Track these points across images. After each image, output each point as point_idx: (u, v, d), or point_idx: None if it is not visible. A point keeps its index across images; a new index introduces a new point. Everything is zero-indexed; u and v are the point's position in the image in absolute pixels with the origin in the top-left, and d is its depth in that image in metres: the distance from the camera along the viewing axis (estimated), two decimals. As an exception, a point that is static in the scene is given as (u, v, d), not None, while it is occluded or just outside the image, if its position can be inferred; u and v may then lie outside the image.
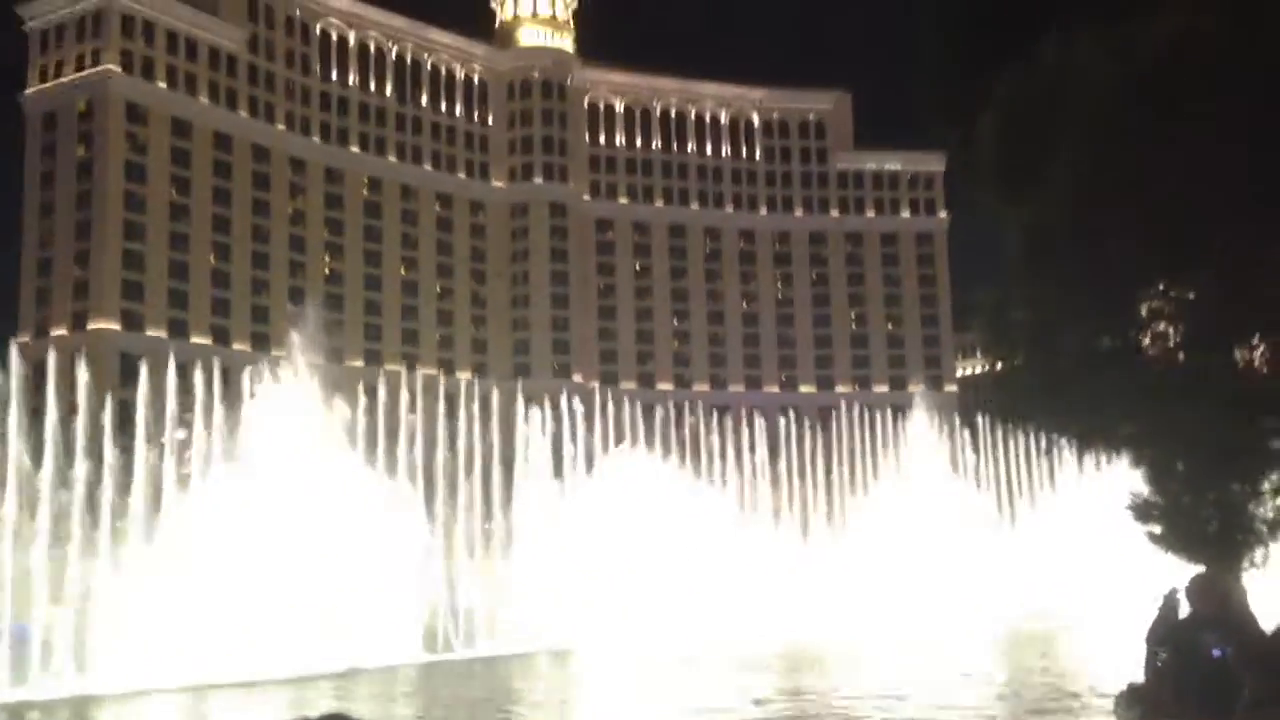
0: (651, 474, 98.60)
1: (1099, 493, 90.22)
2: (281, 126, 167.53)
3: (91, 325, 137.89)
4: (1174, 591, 13.35)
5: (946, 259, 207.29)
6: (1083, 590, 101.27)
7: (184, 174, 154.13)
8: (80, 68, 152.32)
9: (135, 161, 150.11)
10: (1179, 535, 18.68)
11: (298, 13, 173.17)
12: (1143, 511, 19.07)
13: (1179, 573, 15.14)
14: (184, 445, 72.21)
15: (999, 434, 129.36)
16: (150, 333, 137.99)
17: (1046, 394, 18.26)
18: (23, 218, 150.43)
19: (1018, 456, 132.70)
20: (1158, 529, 19.06)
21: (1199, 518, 18.60)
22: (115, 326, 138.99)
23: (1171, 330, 17.52)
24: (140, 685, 51.86)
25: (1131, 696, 14.27)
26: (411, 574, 72.34)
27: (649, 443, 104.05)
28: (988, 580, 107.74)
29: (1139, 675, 13.56)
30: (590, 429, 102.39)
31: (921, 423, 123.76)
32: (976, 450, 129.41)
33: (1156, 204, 15.03)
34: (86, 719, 47.69)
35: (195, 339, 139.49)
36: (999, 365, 20.70)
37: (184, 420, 73.69)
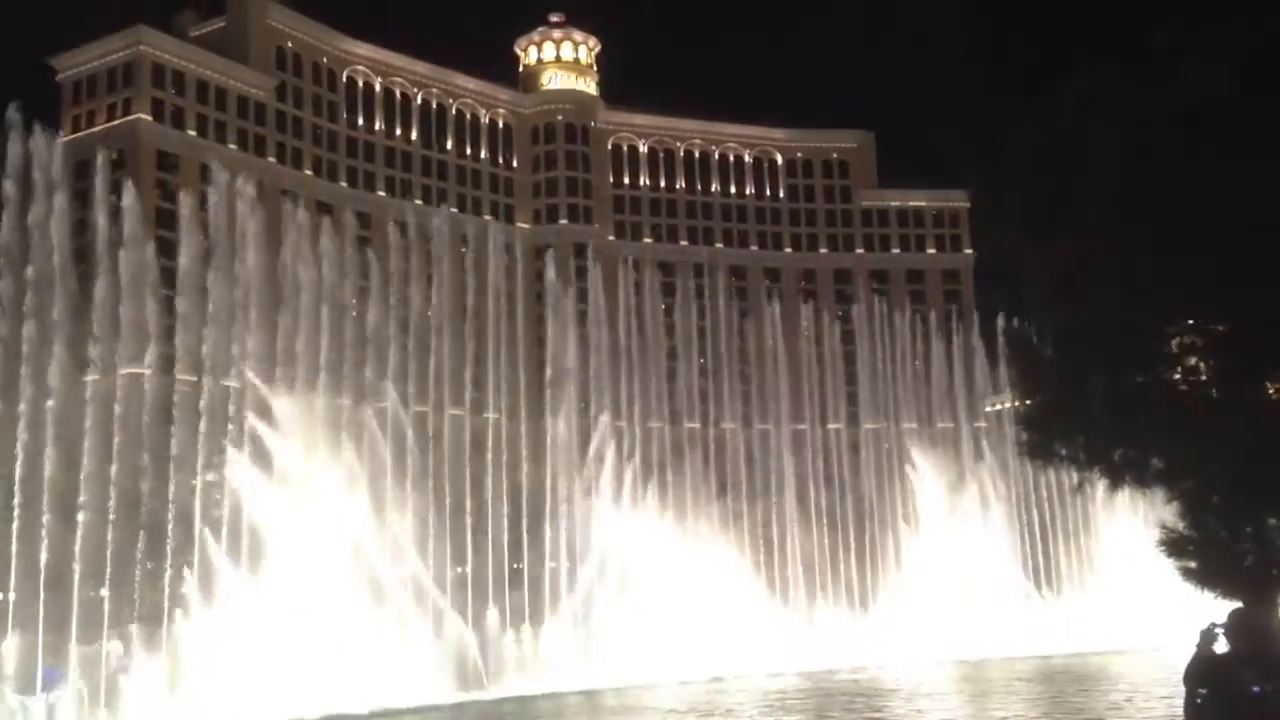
0: (678, 511, 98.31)
1: (1133, 528, 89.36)
2: (309, 172, 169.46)
3: (124, 370, 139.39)
4: (1212, 627, 13.27)
5: (973, 295, 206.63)
6: (1119, 625, 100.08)
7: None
8: (111, 117, 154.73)
9: (166, 208, 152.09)
10: (1215, 570, 18.45)
11: (324, 60, 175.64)
12: (1177, 547, 18.85)
13: (1215, 607, 15.06)
14: (214, 486, 72.64)
15: (1028, 469, 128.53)
16: (181, 376, 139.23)
17: (1076, 431, 18.19)
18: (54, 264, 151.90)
19: (1049, 491, 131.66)
20: (1192, 564, 18.83)
21: (1235, 552, 18.40)
22: (147, 370, 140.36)
23: (1203, 365, 17.48)
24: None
25: (1171, 734, 14.18)
26: (442, 612, 72.29)
27: (678, 480, 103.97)
28: (1021, 616, 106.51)
29: (1178, 712, 13.47)
30: (619, 467, 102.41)
31: (950, 457, 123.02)
32: (1007, 485, 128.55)
33: (1186, 238, 15.09)
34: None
35: (225, 382, 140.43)
36: (1027, 402, 20.64)
37: (214, 462, 74.18)
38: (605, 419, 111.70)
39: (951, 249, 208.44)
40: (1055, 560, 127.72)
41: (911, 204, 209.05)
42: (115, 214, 79.64)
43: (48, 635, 58.31)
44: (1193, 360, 17.54)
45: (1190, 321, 17.53)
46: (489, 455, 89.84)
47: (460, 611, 76.03)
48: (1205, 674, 13.04)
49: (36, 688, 55.74)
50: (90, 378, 75.05)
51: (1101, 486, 19.27)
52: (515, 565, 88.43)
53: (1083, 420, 17.74)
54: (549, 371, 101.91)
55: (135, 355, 72.72)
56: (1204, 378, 17.59)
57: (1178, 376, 17.68)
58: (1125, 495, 19.72)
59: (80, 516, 57.06)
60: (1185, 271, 15.27)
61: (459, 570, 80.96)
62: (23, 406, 65.22)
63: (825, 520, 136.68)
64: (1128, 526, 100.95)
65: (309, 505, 66.39)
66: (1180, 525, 18.72)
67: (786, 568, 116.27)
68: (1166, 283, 15.50)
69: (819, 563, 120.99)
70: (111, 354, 74.95)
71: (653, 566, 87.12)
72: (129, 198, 75.60)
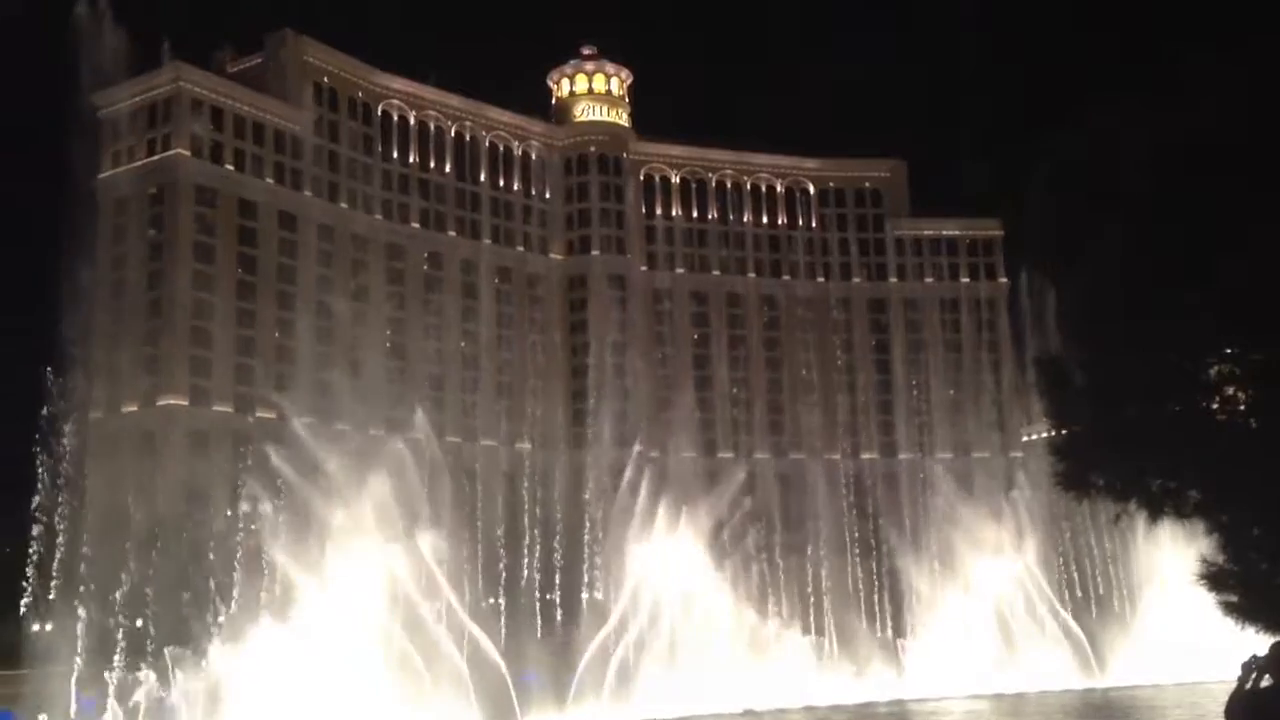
0: (712, 542, 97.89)
1: (1172, 562, 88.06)
2: (345, 205, 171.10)
3: (161, 401, 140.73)
4: (1253, 660, 13.08)
5: (1007, 323, 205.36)
6: (1157, 659, 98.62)
7: (251, 253, 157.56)
8: (151, 153, 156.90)
9: (204, 242, 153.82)
10: (1256, 603, 18.12)
11: (360, 95, 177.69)
12: (1217, 580, 18.52)
13: (1256, 640, 14.82)
14: (250, 517, 73.09)
15: (1064, 500, 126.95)
16: (217, 408, 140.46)
17: (1111, 461, 17.99)
18: (95, 298, 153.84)
19: (1085, 522, 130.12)
20: (1233, 597, 18.50)
21: (1276, 585, 18.08)
22: (184, 402, 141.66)
23: (1241, 395, 17.28)
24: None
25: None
26: (474, 644, 72.22)
27: (711, 511, 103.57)
28: (1059, 648, 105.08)
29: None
30: (652, 498, 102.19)
31: (985, 488, 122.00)
32: (1043, 516, 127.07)
33: (1221, 269, 14.98)
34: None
35: (260, 414, 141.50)
36: (1060, 431, 20.42)
37: (249, 494, 74.67)
38: (639, 449, 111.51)
39: (986, 277, 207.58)
40: (1092, 593, 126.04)
41: (945, 233, 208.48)
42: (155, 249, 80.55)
43: (85, 664, 58.72)
44: (1231, 390, 17.34)
45: (1228, 351, 17.34)
46: (524, 486, 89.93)
47: (493, 642, 75.92)
48: (1248, 708, 12.84)
49: (72, 715, 56.10)
50: (128, 408, 75.96)
51: (1141, 519, 19.00)
52: (548, 596, 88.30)
53: (1118, 450, 17.56)
54: (591, 402, 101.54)
55: (171, 387, 73.29)
56: (1242, 407, 17.39)
57: (1215, 406, 17.47)
58: (1165, 527, 19.40)
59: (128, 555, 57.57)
60: (1216, 299, 15.16)
61: (491, 601, 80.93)
62: (67, 431, 66.05)
63: (859, 551, 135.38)
64: (1166, 560, 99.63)
65: (342, 537, 66.65)
66: (1220, 558, 18.44)
67: (820, 598, 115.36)
68: (1197, 311, 15.39)
69: (852, 593, 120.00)
70: (151, 386, 75.65)
71: (686, 597, 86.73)
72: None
